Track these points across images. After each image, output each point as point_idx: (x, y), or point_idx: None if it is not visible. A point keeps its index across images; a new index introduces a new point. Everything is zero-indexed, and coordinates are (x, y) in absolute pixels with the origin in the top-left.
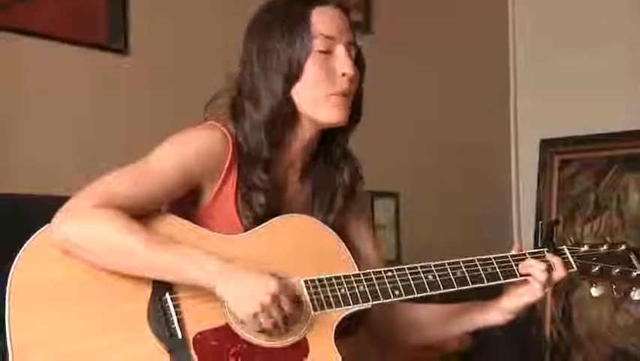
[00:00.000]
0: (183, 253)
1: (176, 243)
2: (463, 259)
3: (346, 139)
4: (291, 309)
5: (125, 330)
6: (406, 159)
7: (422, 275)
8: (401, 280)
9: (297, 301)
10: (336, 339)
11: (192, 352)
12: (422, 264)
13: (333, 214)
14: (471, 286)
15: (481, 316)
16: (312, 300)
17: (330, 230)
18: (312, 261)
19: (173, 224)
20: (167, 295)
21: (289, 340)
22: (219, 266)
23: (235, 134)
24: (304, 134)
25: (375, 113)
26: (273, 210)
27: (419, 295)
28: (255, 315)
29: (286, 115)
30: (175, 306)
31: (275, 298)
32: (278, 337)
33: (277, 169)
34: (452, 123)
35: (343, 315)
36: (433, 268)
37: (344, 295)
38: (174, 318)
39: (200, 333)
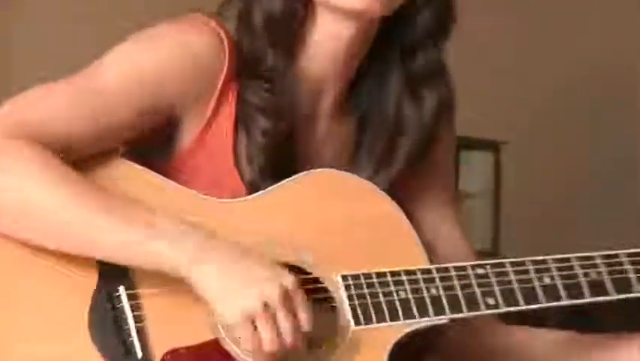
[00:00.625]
0: (144, 221)
1: (133, 205)
2: (601, 253)
3: (438, 50)
4: (310, 320)
5: (63, 340)
6: (511, 93)
7: (534, 276)
8: (499, 283)
9: (327, 307)
10: None
11: None
12: (534, 258)
13: (392, 172)
14: (614, 298)
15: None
16: (353, 307)
17: (388, 197)
18: (355, 245)
19: (130, 177)
20: (122, 290)
21: None
22: (200, 243)
23: (234, 39)
24: (333, 32)
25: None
26: (292, 161)
27: (526, 307)
28: (249, 321)
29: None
30: (134, 308)
31: (287, 299)
32: None
33: (298, 94)
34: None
35: (402, 333)
36: (552, 266)
37: (405, 302)
38: (131, 327)
39: (171, 353)
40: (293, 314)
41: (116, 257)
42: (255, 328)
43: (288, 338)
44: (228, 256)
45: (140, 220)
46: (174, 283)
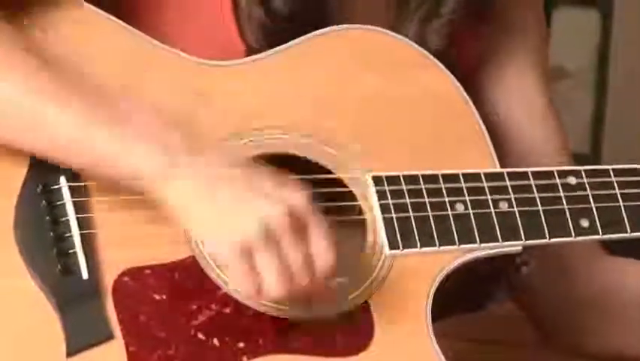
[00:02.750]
0: (103, 109)
1: (93, 88)
2: None
3: None
4: (331, 249)
5: None
6: None
7: None
8: (597, 198)
9: (353, 221)
10: (437, 317)
11: (109, 310)
12: None
13: (442, 22)
14: None
15: None
16: (388, 223)
17: (446, 70)
18: (396, 134)
19: (92, 23)
20: (63, 182)
21: (326, 306)
22: (175, 148)
23: None
24: None
25: None
26: (311, 11)
27: (635, 234)
28: (245, 255)
29: None
30: (78, 208)
31: (295, 220)
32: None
33: None
34: None
35: (456, 264)
36: None
37: (462, 220)
38: (75, 235)
39: (130, 273)
40: (305, 242)
41: (62, 160)
42: (253, 265)
43: (298, 277)
44: (215, 162)
45: (97, 108)
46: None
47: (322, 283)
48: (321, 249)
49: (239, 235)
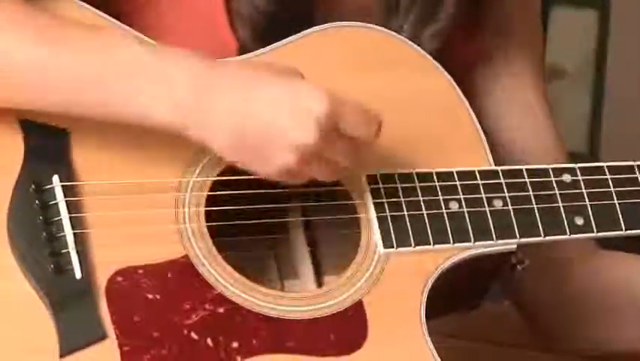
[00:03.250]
0: (113, 46)
1: (99, 30)
2: None
3: None
4: (365, 113)
5: None
6: None
7: None
8: (592, 196)
9: (348, 220)
10: (431, 316)
11: (102, 310)
12: None
13: (438, 26)
14: None
15: None
16: (382, 222)
17: (440, 67)
18: (391, 133)
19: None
20: (56, 181)
21: (323, 304)
22: (201, 67)
23: None
24: None
25: None
26: (297, 9)
27: (629, 231)
28: (293, 174)
29: None
30: (72, 207)
31: (333, 124)
32: (293, 299)
33: None
34: None
35: (450, 262)
36: None
37: (456, 218)
38: (68, 235)
39: (123, 273)
40: (344, 137)
41: (74, 108)
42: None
43: (345, 163)
44: (247, 79)
45: (111, 49)
46: (130, 172)
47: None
48: (364, 121)
49: (279, 167)
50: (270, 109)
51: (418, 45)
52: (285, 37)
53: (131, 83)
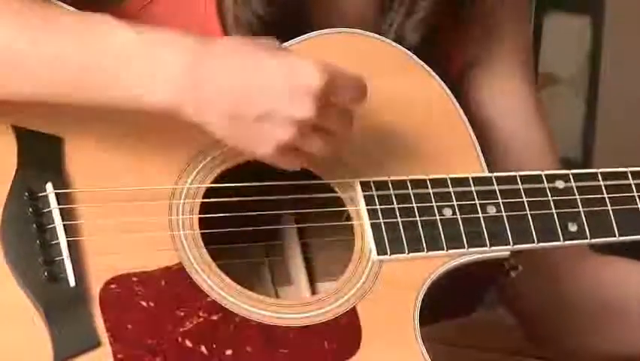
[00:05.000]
0: (104, 31)
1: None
2: None
3: None
4: (352, 76)
5: None
6: None
7: (636, 195)
8: (586, 203)
9: (342, 227)
10: (425, 323)
11: (96, 318)
12: (639, 169)
13: (419, 17)
14: None
15: None
16: (376, 229)
17: (434, 74)
18: (383, 140)
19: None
20: (49, 188)
21: (317, 312)
22: (193, 45)
23: None
24: None
25: None
26: (304, 10)
27: (622, 238)
28: (289, 151)
29: None
30: (65, 215)
31: (328, 96)
32: (287, 306)
33: None
34: None
35: (444, 269)
36: None
37: (450, 225)
38: (62, 243)
39: (118, 280)
40: (335, 106)
41: (59, 97)
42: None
43: (342, 134)
44: (237, 53)
45: (96, 27)
46: (124, 176)
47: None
48: (354, 92)
49: (277, 143)
50: (265, 84)
51: (402, 39)
52: (282, 43)
53: (123, 67)
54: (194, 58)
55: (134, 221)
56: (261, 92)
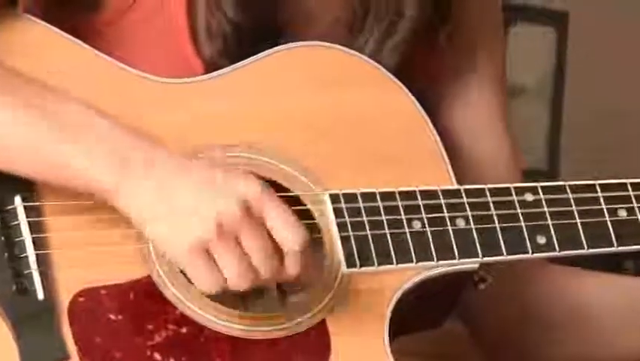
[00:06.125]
0: (53, 115)
1: (41, 92)
2: None
3: None
4: (297, 230)
5: None
6: None
7: (605, 207)
8: (553, 215)
9: (311, 239)
10: (394, 336)
11: (64, 331)
12: (606, 181)
13: (397, 39)
14: None
15: None
16: (345, 242)
17: (403, 87)
18: (353, 152)
19: (45, 44)
20: (18, 202)
21: (286, 324)
22: (127, 150)
23: None
24: None
25: None
26: (275, 22)
27: (591, 251)
28: (202, 254)
29: None
30: (34, 228)
31: (252, 209)
32: (256, 319)
33: None
34: None
35: (412, 282)
36: (631, 192)
37: (419, 237)
38: (30, 256)
39: (86, 293)
40: (265, 231)
41: (14, 169)
42: (212, 263)
43: (264, 267)
44: (167, 165)
45: (51, 117)
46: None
47: (305, 260)
48: (289, 226)
49: (193, 236)
50: (198, 184)
51: (380, 59)
52: (253, 53)
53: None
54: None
55: (103, 234)
56: (190, 188)
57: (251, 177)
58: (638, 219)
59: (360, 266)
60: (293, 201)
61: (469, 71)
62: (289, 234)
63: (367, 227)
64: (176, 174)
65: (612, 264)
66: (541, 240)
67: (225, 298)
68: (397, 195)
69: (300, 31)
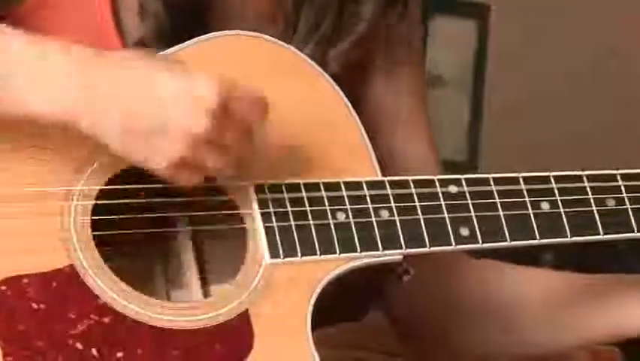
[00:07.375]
0: None
1: None
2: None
3: None
4: (254, 96)
5: None
6: None
7: (527, 199)
8: (477, 207)
9: (233, 230)
10: (316, 327)
11: None
12: (528, 174)
13: (342, 48)
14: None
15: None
16: (269, 233)
17: (326, 75)
18: (280, 143)
19: None
20: None
21: (209, 314)
22: (83, 57)
23: None
24: None
25: None
26: (205, 15)
27: (513, 243)
28: (181, 163)
29: None
30: None
31: (224, 110)
32: (178, 309)
33: None
34: None
35: (336, 273)
36: (555, 186)
37: (343, 229)
38: None
39: (6, 281)
40: (233, 122)
41: None
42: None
43: (241, 151)
44: (134, 70)
45: None
46: (15, 179)
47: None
48: (252, 108)
49: (169, 155)
50: (159, 97)
51: (323, 66)
52: (185, 39)
53: (15, 75)
54: (86, 68)
55: (25, 222)
56: (154, 105)
57: (203, 77)
58: (560, 213)
59: (284, 257)
60: (218, 192)
61: (386, 68)
62: (256, 110)
63: (292, 218)
64: (146, 76)
65: (531, 257)
66: (465, 232)
67: (149, 288)
68: (322, 186)
69: (230, 22)
